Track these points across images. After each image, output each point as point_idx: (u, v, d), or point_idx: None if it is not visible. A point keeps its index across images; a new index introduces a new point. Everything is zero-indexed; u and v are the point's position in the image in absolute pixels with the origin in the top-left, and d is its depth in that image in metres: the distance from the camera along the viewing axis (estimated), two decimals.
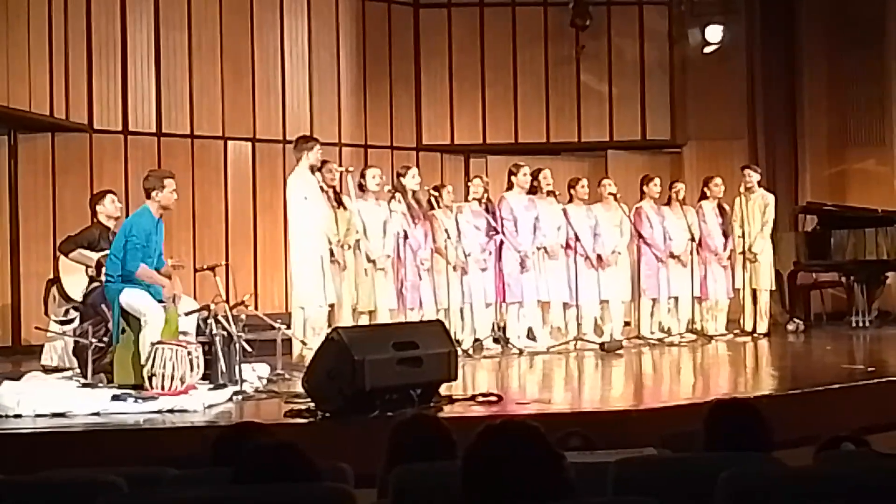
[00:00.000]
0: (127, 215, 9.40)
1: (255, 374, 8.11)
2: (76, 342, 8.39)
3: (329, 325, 9.00)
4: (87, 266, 8.81)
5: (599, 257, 10.88)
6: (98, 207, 9.02)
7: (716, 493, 2.93)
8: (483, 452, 2.56)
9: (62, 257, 8.98)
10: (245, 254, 12.65)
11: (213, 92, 12.69)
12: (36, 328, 9.55)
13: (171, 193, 7.86)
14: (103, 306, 8.03)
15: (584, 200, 11.04)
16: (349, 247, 9.58)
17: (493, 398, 7.11)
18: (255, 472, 3.03)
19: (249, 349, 8.02)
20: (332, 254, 9.32)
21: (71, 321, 8.87)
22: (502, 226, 10.52)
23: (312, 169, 9.36)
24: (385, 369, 6.63)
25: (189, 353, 7.44)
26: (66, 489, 3.34)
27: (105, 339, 7.98)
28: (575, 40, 14.16)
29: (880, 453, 3.68)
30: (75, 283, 8.92)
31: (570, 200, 11.00)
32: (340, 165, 10.58)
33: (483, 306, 10.46)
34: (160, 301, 7.71)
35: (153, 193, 7.81)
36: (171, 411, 6.92)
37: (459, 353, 8.49)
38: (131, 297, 7.65)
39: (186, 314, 7.99)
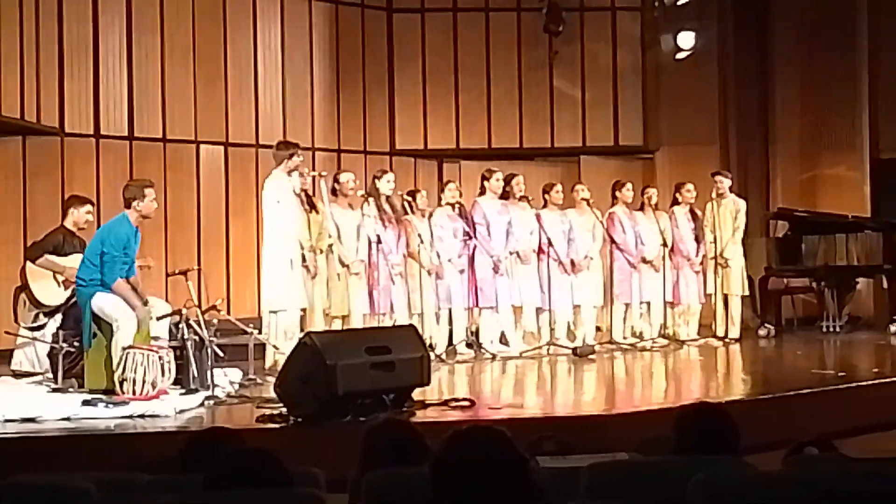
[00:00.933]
0: (98, 220, 9.38)
1: (227, 378, 8.09)
2: (51, 347, 8.34)
3: (302, 330, 8.99)
4: (55, 272, 8.74)
5: (573, 262, 10.90)
6: (71, 210, 8.96)
7: (686, 497, 2.95)
8: (451, 457, 2.58)
9: (29, 264, 8.92)
10: (217, 258, 12.61)
11: (186, 95, 12.64)
12: (6, 332, 9.48)
13: (151, 202, 7.87)
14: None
15: (559, 205, 11.06)
16: (321, 251, 9.57)
17: (466, 403, 7.13)
18: (226, 478, 3.03)
19: (221, 354, 8.01)
20: (303, 258, 9.31)
21: (42, 326, 8.81)
22: (475, 230, 10.53)
23: (290, 173, 9.36)
24: (358, 374, 6.63)
25: (160, 358, 7.42)
26: (36, 495, 3.32)
27: (77, 343, 7.93)
28: (548, 45, 14.19)
29: (848, 457, 3.71)
30: (45, 288, 8.85)
31: (545, 205, 11.02)
32: (314, 170, 10.57)
33: (457, 311, 10.45)
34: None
35: (134, 203, 7.80)
36: (142, 416, 6.90)
37: (432, 357, 8.50)
38: (103, 302, 7.63)
39: (158, 318, 7.96)
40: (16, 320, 9.19)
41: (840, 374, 8.66)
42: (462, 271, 10.45)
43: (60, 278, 8.69)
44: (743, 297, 11.64)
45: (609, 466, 3.45)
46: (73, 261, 8.42)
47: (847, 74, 14.30)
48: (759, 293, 12.54)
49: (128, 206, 7.82)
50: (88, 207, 8.99)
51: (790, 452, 3.83)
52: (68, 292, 8.56)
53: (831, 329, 12.14)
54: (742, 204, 11.58)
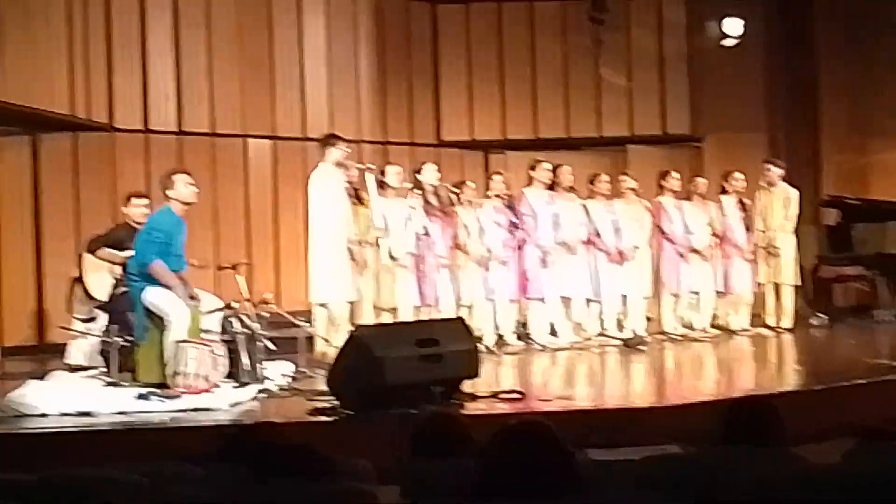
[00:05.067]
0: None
1: (277, 372, 8.13)
2: (103, 341, 8.43)
3: (351, 323, 9.03)
4: (114, 264, 8.84)
5: (620, 252, 10.86)
6: (125, 209, 9.05)
7: (737, 490, 2.93)
8: (496, 452, 2.60)
9: (87, 255, 9.01)
10: (266, 252, 12.68)
11: (233, 90, 12.71)
12: (60, 327, 9.59)
13: (184, 187, 7.80)
14: (129, 314, 8.02)
15: (605, 196, 11.01)
16: (369, 244, 9.59)
17: (515, 395, 7.11)
18: (275, 472, 3.05)
19: (272, 347, 8.05)
20: (350, 251, 9.33)
21: (94, 319, 8.91)
22: (522, 222, 10.51)
23: (337, 166, 9.39)
24: (406, 366, 6.64)
25: (212, 352, 7.48)
26: (90, 487, 3.37)
27: (130, 337, 8.00)
28: (593, 34, 14.11)
29: None
30: (99, 281, 8.95)
31: (590, 196, 10.98)
32: (361, 162, 10.58)
33: (506, 302, 10.44)
34: None
35: (168, 192, 7.83)
36: (195, 410, 6.96)
37: (481, 349, 8.49)
38: (155, 297, 7.67)
39: (209, 313, 8.02)
40: (69, 312, 9.30)
41: (894, 363, 8.55)
42: (509, 263, 10.43)
43: (118, 272, 8.75)
44: (795, 287, 11.52)
45: (659, 459, 3.44)
46: None
47: (894, 57, 14.10)
48: (811, 282, 12.42)
49: (167, 198, 7.87)
50: (144, 201, 9.06)
51: (861, 440, 3.76)
52: (115, 288, 8.64)
53: (884, 318, 12.00)
54: (794, 193, 11.44)
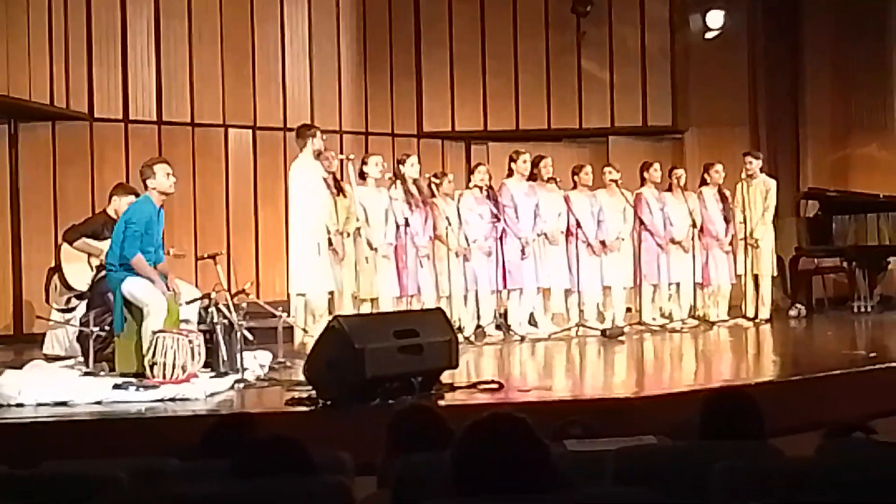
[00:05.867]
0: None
1: (256, 362, 8.12)
2: (80, 331, 8.40)
3: (330, 313, 9.02)
4: (91, 255, 8.81)
5: (603, 244, 10.87)
6: (115, 198, 9.00)
7: (712, 482, 2.94)
8: (471, 445, 2.60)
9: (65, 245, 8.99)
10: (246, 242, 12.65)
11: (214, 80, 12.67)
12: (38, 317, 9.56)
13: (165, 177, 7.78)
14: (110, 295, 8.01)
15: (588, 187, 11.03)
16: (348, 235, 9.58)
17: (495, 386, 7.12)
18: (252, 466, 3.05)
19: (250, 337, 8.03)
20: (330, 242, 9.32)
21: (72, 309, 8.88)
22: (503, 212, 10.51)
23: (316, 156, 9.37)
24: (386, 357, 6.64)
25: (190, 342, 7.45)
26: (68, 484, 3.35)
27: (108, 327, 7.98)
28: (576, 27, 14.11)
29: (883, 442, 3.66)
30: (77, 271, 8.93)
31: (574, 187, 10.99)
32: (341, 153, 10.58)
33: (486, 293, 10.45)
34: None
35: (148, 182, 7.81)
36: (172, 400, 6.95)
37: (461, 340, 8.50)
38: (133, 287, 7.65)
39: (187, 303, 8.00)
40: (47, 301, 9.27)
41: (871, 354, 8.59)
42: (490, 254, 10.44)
43: (95, 262, 8.74)
44: (773, 278, 11.57)
45: (636, 450, 3.44)
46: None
47: (878, 54, 14.18)
48: (790, 274, 12.48)
49: (146, 187, 7.84)
50: (131, 198, 9.00)
51: (830, 434, 3.79)
52: (94, 277, 8.61)
53: (862, 309, 12.08)
54: (772, 184, 11.49)
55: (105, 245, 8.63)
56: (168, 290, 7.76)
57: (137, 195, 9.01)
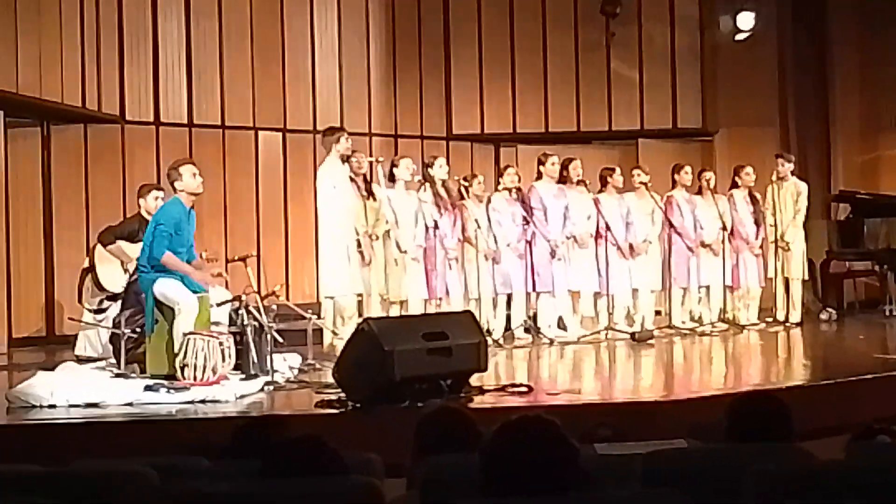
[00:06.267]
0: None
1: (286, 364, 8.14)
2: (112, 332, 8.45)
3: (360, 315, 9.04)
4: (123, 261, 8.85)
5: (631, 247, 10.84)
6: (141, 201, 9.06)
7: (744, 486, 2.93)
8: (500, 447, 2.60)
9: (99, 247, 9.03)
10: (276, 244, 12.71)
11: (244, 82, 12.74)
12: (69, 319, 9.62)
13: (191, 178, 7.77)
14: (143, 296, 8.05)
15: (618, 189, 11.01)
16: (377, 237, 9.59)
17: (524, 389, 7.11)
18: (282, 466, 3.06)
19: (280, 339, 8.05)
20: (359, 244, 9.33)
21: (105, 311, 8.93)
22: (532, 215, 10.50)
23: (342, 159, 9.39)
24: (415, 360, 6.64)
25: (221, 344, 7.47)
26: (98, 481, 3.38)
27: (139, 328, 8.02)
28: (605, 27, 14.09)
29: None
30: (110, 273, 8.98)
31: (603, 189, 10.96)
32: (370, 155, 10.60)
33: (515, 296, 10.43)
34: (195, 291, 7.72)
35: (176, 184, 7.82)
36: (202, 401, 6.97)
37: (490, 342, 8.49)
38: (165, 288, 7.68)
39: (218, 305, 8.02)
40: (80, 302, 9.33)
41: None
42: (520, 256, 10.43)
43: (130, 266, 8.78)
44: (804, 281, 11.49)
45: (665, 454, 3.43)
46: None
47: None
48: (821, 277, 12.41)
49: (174, 189, 7.87)
50: (156, 193, 9.02)
51: (855, 438, 3.77)
52: (129, 279, 8.65)
53: (894, 313, 11.98)
54: (803, 186, 11.41)
55: (138, 248, 8.68)
56: (213, 278, 7.79)
57: (161, 189, 9.08)
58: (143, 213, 8.93)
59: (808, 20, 14.56)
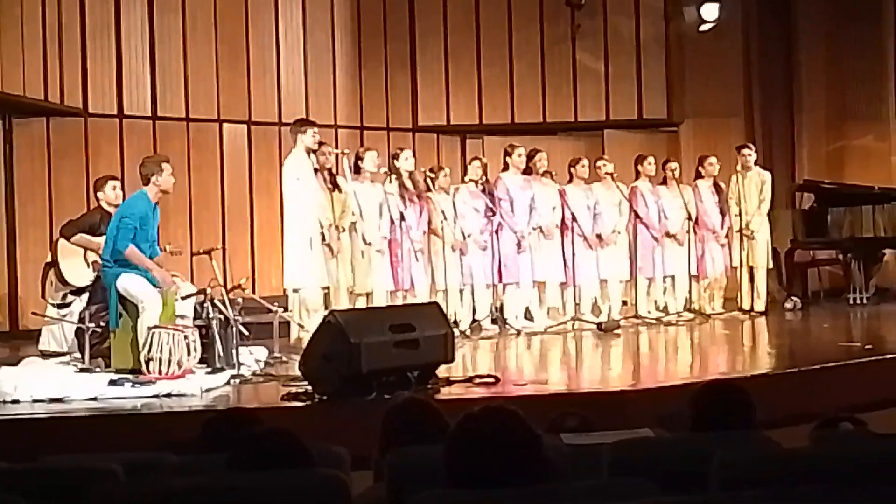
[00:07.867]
0: (124, 199, 9.41)
1: (252, 357, 8.12)
2: (77, 327, 8.39)
3: (326, 308, 9.01)
4: (87, 250, 8.79)
5: (599, 237, 10.87)
6: (99, 194, 8.99)
7: (710, 474, 2.94)
8: (464, 438, 2.60)
9: (62, 241, 8.97)
10: (242, 237, 12.64)
11: (208, 75, 12.65)
12: (33, 313, 9.54)
13: (169, 177, 7.85)
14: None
15: (584, 180, 11.03)
16: (343, 229, 9.56)
17: (491, 379, 7.13)
18: (249, 459, 3.04)
19: (246, 332, 8.03)
20: (323, 237, 9.30)
21: (68, 305, 8.87)
22: (498, 206, 10.50)
23: (308, 151, 9.35)
24: (382, 352, 6.64)
25: (186, 337, 7.45)
26: (63, 477, 3.35)
27: (104, 323, 7.97)
28: (571, 19, 14.10)
29: (876, 433, 3.68)
30: (74, 267, 8.91)
31: (570, 180, 10.98)
32: (336, 147, 10.57)
33: (481, 287, 10.45)
34: (156, 286, 7.68)
35: (152, 178, 7.79)
36: (168, 395, 6.95)
37: (457, 334, 8.50)
38: (128, 283, 7.65)
39: (183, 298, 8.00)
40: (43, 297, 9.25)
41: (867, 346, 8.61)
42: (485, 248, 10.43)
43: (91, 258, 8.72)
44: (769, 270, 11.57)
45: (632, 443, 3.44)
46: None
47: (873, 44, 14.16)
48: (785, 266, 12.48)
49: (146, 182, 7.82)
50: (113, 184, 8.98)
51: (819, 427, 3.81)
52: (96, 273, 8.60)
53: (858, 301, 12.09)
54: (767, 176, 11.49)
55: (102, 240, 8.62)
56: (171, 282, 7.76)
57: (117, 179, 9.03)
58: (104, 205, 8.87)
59: (774, 10, 14.62)
